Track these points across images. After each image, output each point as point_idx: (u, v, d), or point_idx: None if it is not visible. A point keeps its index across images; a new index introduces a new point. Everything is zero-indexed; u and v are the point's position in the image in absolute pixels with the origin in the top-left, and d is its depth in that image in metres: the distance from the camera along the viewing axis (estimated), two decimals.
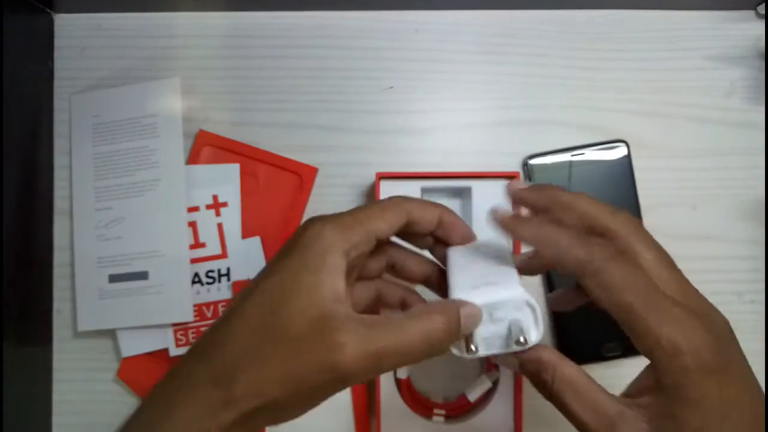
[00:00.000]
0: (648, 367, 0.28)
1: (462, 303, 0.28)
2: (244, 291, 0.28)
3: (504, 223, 0.31)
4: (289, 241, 0.29)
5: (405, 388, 0.43)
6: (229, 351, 0.27)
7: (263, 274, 0.29)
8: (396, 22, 0.48)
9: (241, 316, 0.27)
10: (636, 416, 0.27)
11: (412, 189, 0.43)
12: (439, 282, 0.34)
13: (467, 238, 0.33)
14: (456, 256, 0.33)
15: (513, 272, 0.31)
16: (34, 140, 0.46)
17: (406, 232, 0.32)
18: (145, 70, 0.47)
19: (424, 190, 0.44)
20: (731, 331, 0.28)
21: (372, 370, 0.26)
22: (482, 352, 0.29)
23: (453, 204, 0.45)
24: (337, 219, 0.29)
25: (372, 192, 0.46)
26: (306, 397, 0.27)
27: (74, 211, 0.46)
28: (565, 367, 0.28)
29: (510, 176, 0.43)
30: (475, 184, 0.44)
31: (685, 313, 0.26)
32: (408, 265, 0.34)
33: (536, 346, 0.29)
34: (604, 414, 0.27)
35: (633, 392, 0.28)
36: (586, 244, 0.27)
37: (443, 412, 0.43)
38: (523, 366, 0.30)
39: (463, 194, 0.45)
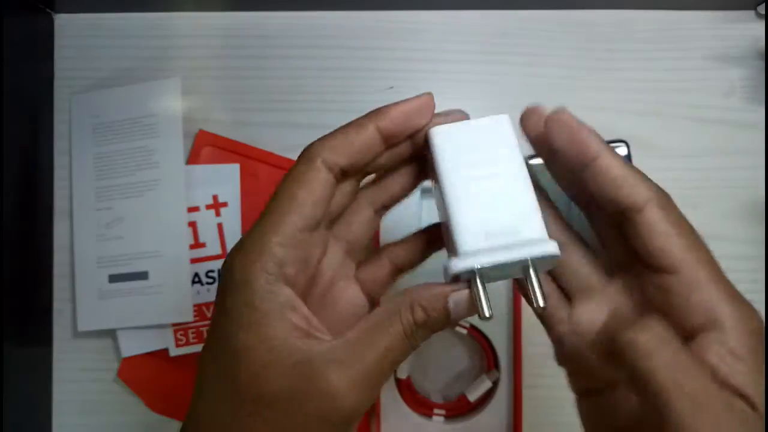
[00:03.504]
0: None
1: (451, 290, 0.24)
2: (204, 354, 0.24)
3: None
4: (218, 289, 0.24)
5: (405, 388, 0.43)
6: None
7: (211, 332, 0.24)
8: (396, 22, 0.48)
9: (210, 390, 0.23)
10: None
11: None
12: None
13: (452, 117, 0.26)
14: (445, 151, 0.25)
15: (533, 202, 0.24)
16: (34, 140, 0.46)
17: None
18: (145, 70, 0.47)
19: (424, 190, 0.44)
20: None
21: (369, 397, 0.23)
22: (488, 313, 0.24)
23: None
24: (245, 242, 0.24)
25: None
26: None
27: (74, 211, 0.46)
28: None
29: None
30: None
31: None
32: (390, 191, 0.28)
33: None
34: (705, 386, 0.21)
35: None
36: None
37: (443, 412, 0.43)
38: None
39: None
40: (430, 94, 0.27)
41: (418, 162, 0.27)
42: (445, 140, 0.25)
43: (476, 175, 0.24)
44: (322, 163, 0.24)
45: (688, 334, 0.23)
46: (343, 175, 0.25)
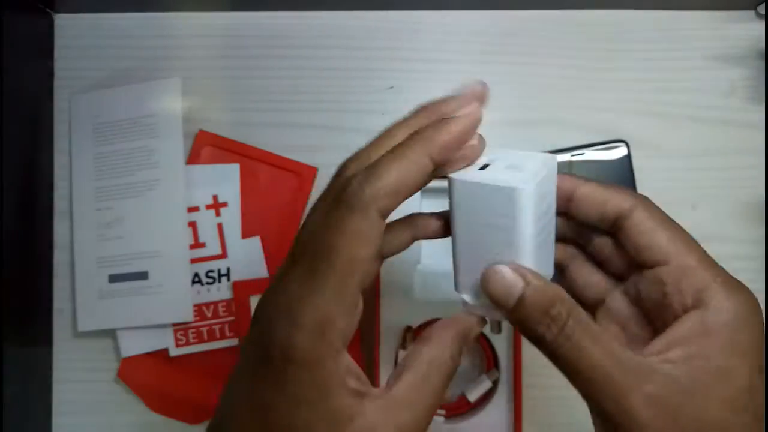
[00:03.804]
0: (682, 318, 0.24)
1: (461, 319, 0.25)
2: None
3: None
4: (258, 357, 0.22)
5: None
6: None
7: (257, 409, 0.22)
8: (396, 22, 0.48)
9: None
10: (667, 367, 0.22)
11: None
12: None
13: (472, 151, 0.25)
14: (462, 206, 0.25)
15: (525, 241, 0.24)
16: (34, 140, 0.46)
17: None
18: (145, 70, 0.47)
19: (424, 190, 0.44)
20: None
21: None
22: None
23: None
24: (304, 317, 0.21)
25: None
26: None
27: (74, 211, 0.46)
28: (580, 308, 0.23)
29: None
30: None
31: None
32: (396, 243, 0.27)
33: (544, 281, 0.24)
34: (633, 361, 0.22)
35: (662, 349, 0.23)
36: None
37: (443, 412, 0.43)
38: (529, 296, 0.23)
39: None
40: (477, 104, 0.25)
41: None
42: (463, 196, 0.25)
43: (486, 232, 0.25)
44: (377, 214, 0.22)
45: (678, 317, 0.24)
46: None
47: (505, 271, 0.23)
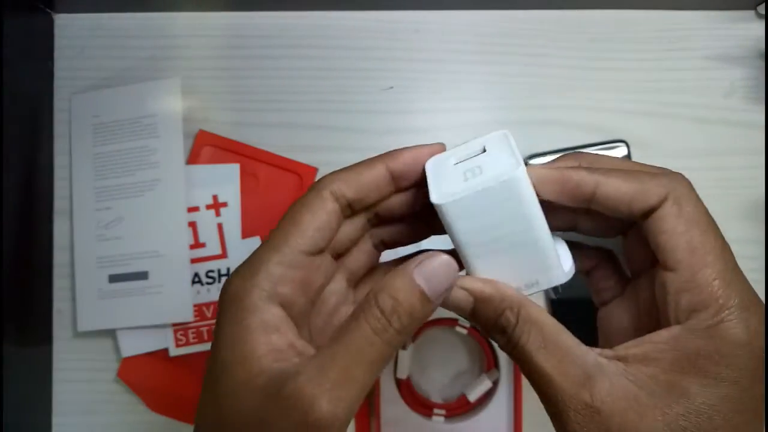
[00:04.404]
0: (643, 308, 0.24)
1: (416, 263, 0.22)
2: (205, 367, 0.24)
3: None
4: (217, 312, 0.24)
5: (405, 388, 0.43)
6: None
7: (211, 346, 0.24)
8: (396, 22, 0.48)
9: (203, 405, 0.23)
10: (619, 371, 0.21)
11: None
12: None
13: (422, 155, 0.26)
14: (459, 223, 0.24)
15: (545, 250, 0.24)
16: (34, 140, 0.46)
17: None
18: (145, 70, 0.47)
19: None
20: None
21: (347, 405, 0.21)
22: None
23: None
24: (245, 263, 0.24)
25: None
26: None
27: (74, 211, 0.46)
28: (531, 307, 0.23)
29: None
30: None
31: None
32: (396, 234, 0.28)
33: (495, 282, 0.24)
34: (576, 366, 0.22)
35: (614, 342, 0.23)
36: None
37: (443, 412, 0.43)
38: (479, 307, 0.24)
39: None
40: (442, 144, 0.26)
41: (429, 217, 0.26)
42: (457, 214, 0.24)
43: (491, 239, 0.24)
44: (330, 194, 0.25)
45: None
46: (350, 207, 0.25)
47: (456, 289, 0.24)
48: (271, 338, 0.22)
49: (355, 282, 0.29)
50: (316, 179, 0.46)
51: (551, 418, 0.23)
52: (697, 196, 0.24)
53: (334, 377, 0.21)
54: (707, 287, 0.22)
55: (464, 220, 0.23)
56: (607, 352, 0.22)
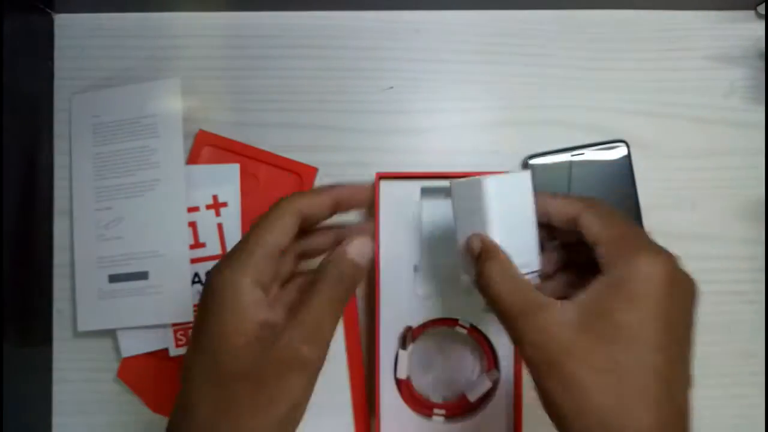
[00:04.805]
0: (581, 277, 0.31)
1: (348, 243, 0.31)
2: (188, 350, 0.30)
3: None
4: (201, 298, 0.30)
5: (405, 387, 0.43)
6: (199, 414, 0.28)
7: (195, 329, 0.30)
8: (396, 22, 0.48)
9: (198, 376, 0.28)
10: (565, 305, 0.28)
11: (412, 189, 0.44)
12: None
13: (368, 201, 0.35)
14: (459, 204, 0.34)
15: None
16: (34, 140, 0.46)
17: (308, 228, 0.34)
18: (145, 70, 0.47)
19: (424, 190, 0.44)
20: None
21: (322, 346, 0.29)
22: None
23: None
24: (231, 259, 0.30)
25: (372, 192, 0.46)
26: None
27: (74, 211, 0.46)
28: (499, 250, 0.31)
29: None
30: None
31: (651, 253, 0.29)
32: (315, 245, 0.35)
33: (491, 243, 0.32)
34: (531, 297, 0.29)
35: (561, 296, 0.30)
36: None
37: (443, 411, 0.43)
38: (479, 257, 0.32)
39: None
40: (373, 188, 0.37)
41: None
42: (456, 193, 0.35)
43: (471, 217, 0.33)
44: (296, 210, 0.31)
45: None
46: (304, 222, 0.32)
47: (475, 238, 0.33)
48: (259, 310, 0.29)
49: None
50: (315, 180, 0.46)
51: (508, 333, 0.30)
52: (609, 204, 0.32)
53: (311, 329, 0.29)
54: (623, 246, 0.29)
55: (458, 198, 0.34)
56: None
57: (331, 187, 0.33)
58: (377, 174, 0.43)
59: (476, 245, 0.32)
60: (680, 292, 0.28)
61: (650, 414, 0.26)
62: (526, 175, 0.33)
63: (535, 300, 0.29)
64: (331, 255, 0.31)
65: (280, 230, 0.30)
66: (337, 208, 0.33)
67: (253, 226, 0.31)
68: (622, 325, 0.27)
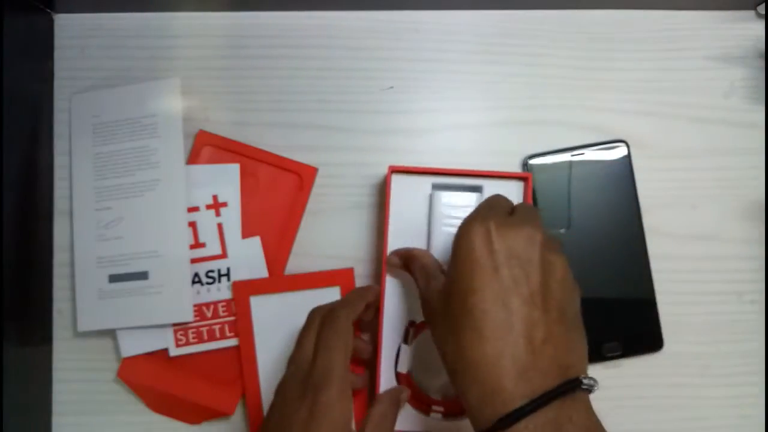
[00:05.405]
0: None
1: (399, 390, 0.42)
2: None
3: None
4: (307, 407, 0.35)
5: (404, 382, 0.43)
6: None
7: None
8: (396, 22, 0.48)
9: None
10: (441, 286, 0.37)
11: (423, 184, 0.44)
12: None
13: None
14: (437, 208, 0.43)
15: None
16: (34, 140, 0.46)
17: None
18: (145, 70, 0.47)
19: (434, 186, 0.44)
20: None
21: None
22: None
23: (468, 198, 0.44)
24: (334, 382, 0.35)
25: (381, 189, 0.46)
26: None
27: (74, 211, 0.46)
28: (427, 259, 0.40)
29: (523, 178, 0.43)
30: (486, 183, 0.43)
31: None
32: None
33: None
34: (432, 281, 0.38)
35: None
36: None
37: (441, 409, 0.43)
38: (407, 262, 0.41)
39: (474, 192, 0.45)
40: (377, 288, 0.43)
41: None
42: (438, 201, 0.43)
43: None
44: (350, 328, 0.38)
45: None
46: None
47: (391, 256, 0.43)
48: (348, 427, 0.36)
49: None
50: (315, 180, 0.46)
51: (424, 312, 0.37)
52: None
53: None
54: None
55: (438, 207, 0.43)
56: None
57: (365, 292, 0.42)
58: (390, 167, 0.43)
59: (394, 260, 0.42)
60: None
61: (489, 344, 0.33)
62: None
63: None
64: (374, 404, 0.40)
65: (348, 345, 0.37)
66: (367, 308, 0.41)
67: (324, 338, 0.37)
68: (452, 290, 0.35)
